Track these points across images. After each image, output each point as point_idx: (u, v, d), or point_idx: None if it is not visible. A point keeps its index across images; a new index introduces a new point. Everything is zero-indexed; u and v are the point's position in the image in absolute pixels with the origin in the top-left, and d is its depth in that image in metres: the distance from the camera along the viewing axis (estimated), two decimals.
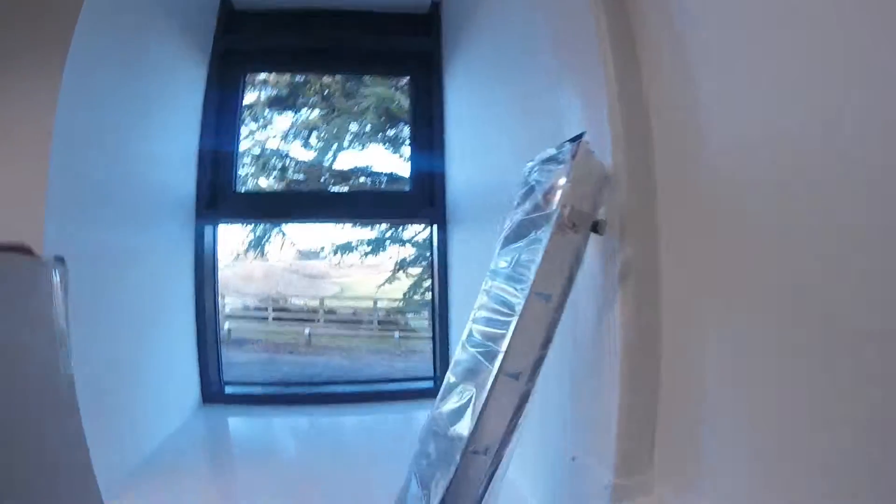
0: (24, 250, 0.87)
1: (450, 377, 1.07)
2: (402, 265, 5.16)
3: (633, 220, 1.02)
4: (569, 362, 1.17)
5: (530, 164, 1.10)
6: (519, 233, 1.02)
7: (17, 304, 0.85)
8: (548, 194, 0.95)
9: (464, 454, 0.85)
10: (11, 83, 1.26)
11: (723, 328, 0.86)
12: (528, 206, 1.01)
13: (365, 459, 1.78)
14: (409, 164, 3.23)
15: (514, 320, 0.88)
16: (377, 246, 5.15)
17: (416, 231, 5.07)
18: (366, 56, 2.67)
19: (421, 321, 5.40)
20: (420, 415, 2.26)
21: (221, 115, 2.41)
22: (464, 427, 0.88)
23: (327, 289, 5.71)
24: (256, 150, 3.79)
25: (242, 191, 2.65)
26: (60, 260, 1.00)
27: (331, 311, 5.59)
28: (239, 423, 2.19)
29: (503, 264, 1.05)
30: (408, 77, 2.80)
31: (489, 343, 0.96)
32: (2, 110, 1.26)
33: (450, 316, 2.41)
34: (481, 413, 0.86)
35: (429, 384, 2.51)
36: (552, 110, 1.31)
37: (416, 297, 5.23)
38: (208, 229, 2.37)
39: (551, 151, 1.04)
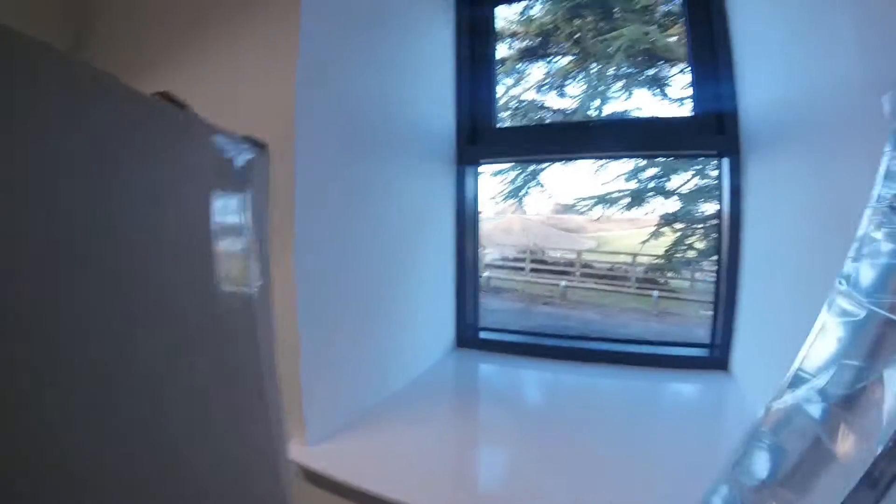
0: (170, 100, 0.62)
1: (809, 359, 0.72)
2: (666, 220, 4.67)
3: None
4: None
5: None
6: None
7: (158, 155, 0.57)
8: None
9: (856, 489, 0.52)
10: (253, 14, 1.35)
11: None
12: None
13: (616, 426, 1.60)
14: (676, 105, 2.78)
15: None
16: (637, 198, 4.74)
17: (682, 181, 4.51)
18: None
19: (681, 282, 4.93)
20: (685, 388, 1.96)
21: (474, 53, 2.36)
22: (850, 444, 0.56)
23: (584, 243, 5.57)
24: (513, 104, 3.80)
25: (503, 126, 2.53)
26: (256, 144, 0.73)
27: (587, 266, 5.43)
28: (490, 369, 2.22)
29: None
30: None
31: None
32: (248, 34, 1.36)
33: (739, 274, 1.97)
34: None
35: (701, 352, 2.15)
36: None
37: (678, 256, 4.71)
38: (470, 171, 2.41)
39: None
